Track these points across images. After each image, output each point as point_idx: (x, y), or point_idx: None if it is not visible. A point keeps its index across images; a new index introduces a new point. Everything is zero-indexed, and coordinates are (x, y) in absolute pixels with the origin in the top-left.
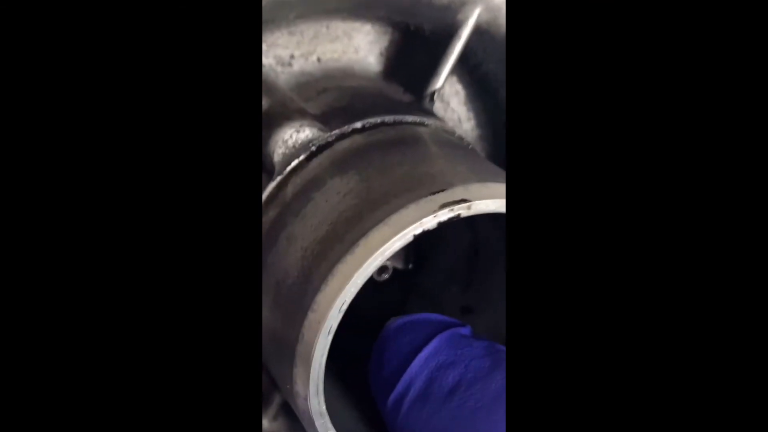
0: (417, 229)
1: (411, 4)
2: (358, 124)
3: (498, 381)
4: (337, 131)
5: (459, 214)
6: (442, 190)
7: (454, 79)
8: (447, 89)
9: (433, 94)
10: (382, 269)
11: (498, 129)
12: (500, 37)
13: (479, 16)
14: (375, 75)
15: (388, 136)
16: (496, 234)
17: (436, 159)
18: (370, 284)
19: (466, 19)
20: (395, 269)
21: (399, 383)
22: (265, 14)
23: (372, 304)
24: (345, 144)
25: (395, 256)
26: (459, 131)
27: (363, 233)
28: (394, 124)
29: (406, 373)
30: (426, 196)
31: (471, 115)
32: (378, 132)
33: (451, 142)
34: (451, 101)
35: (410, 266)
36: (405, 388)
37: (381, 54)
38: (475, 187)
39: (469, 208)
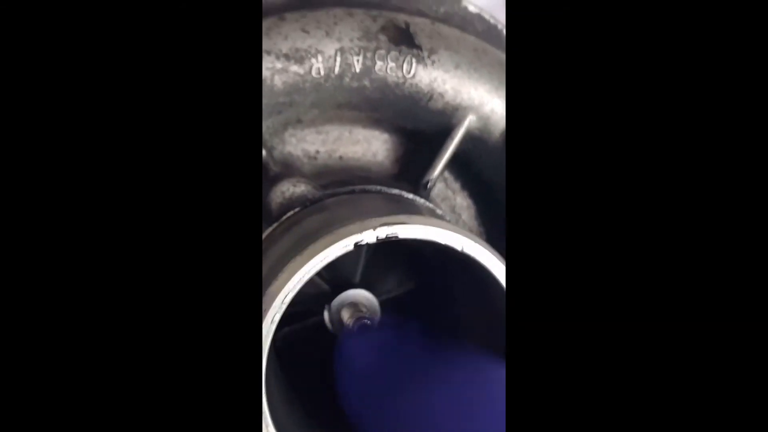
0: (357, 239)
1: (411, 106)
2: (349, 188)
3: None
4: (329, 191)
5: (396, 233)
6: (389, 216)
7: (466, 193)
8: (459, 202)
9: (426, 183)
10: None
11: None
12: (492, 142)
13: (471, 122)
14: (389, 176)
15: (370, 195)
16: (475, 309)
17: (402, 206)
18: None
19: (459, 123)
20: None
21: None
22: (299, 115)
23: None
24: (332, 199)
25: None
26: None
27: (313, 241)
28: (380, 192)
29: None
30: (373, 218)
31: (482, 230)
32: (363, 194)
33: (429, 209)
34: (462, 214)
35: None
36: (360, 379)
37: (396, 160)
38: (418, 218)
39: (407, 231)
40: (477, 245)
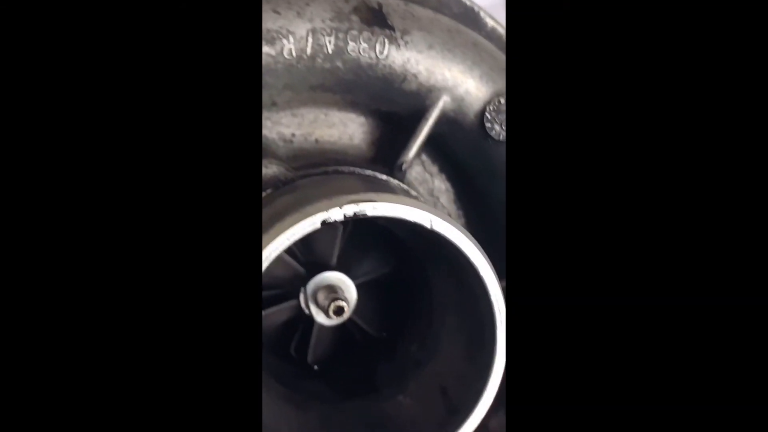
0: (324, 216)
1: (385, 88)
2: (322, 169)
3: None
4: (302, 172)
5: (364, 211)
6: (356, 194)
7: (444, 176)
8: (437, 185)
9: (401, 164)
10: (338, 311)
11: (485, 225)
12: (467, 124)
13: (445, 103)
14: (366, 159)
15: (343, 176)
16: (449, 288)
17: (374, 186)
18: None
19: (433, 104)
20: (369, 335)
21: None
22: (273, 97)
23: (345, 367)
24: (304, 180)
25: (375, 324)
26: None
27: (280, 220)
28: (353, 173)
29: None
30: (340, 196)
31: (461, 213)
32: (336, 174)
33: (403, 190)
34: (441, 198)
35: (384, 334)
36: None
37: (373, 143)
38: (387, 196)
39: (374, 208)
40: (445, 222)
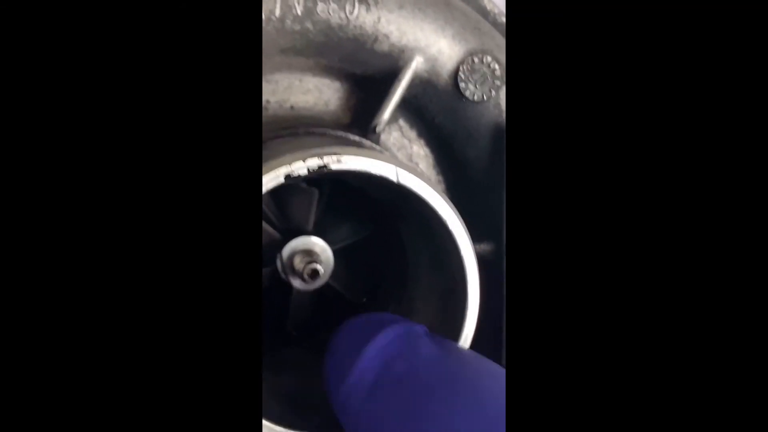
0: (287, 170)
1: (356, 49)
2: (291, 131)
3: (446, 366)
4: (273, 134)
5: (328, 165)
6: (321, 148)
7: (422, 142)
8: (415, 150)
9: (374, 127)
10: (313, 275)
11: (464, 188)
12: (441, 85)
13: (418, 63)
14: (342, 125)
15: (313, 137)
16: (421, 246)
17: (345, 144)
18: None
19: (406, 65)
20: (347, 300)
21: (350, 373)
22: None
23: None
24: (275, 141)
25: (352, 289)
26: None
27: None
28: (324, 134)
29: (358, 363)
30: (305, 150)
31: (440, 178)
32: (306, 135)
33: (374, 149)
34: (420, 163)
35: (364, 300)
36: (356, 378)
37: (349, 109)
38: (352, 149)
39: (339, 161)
40: (412, 175)
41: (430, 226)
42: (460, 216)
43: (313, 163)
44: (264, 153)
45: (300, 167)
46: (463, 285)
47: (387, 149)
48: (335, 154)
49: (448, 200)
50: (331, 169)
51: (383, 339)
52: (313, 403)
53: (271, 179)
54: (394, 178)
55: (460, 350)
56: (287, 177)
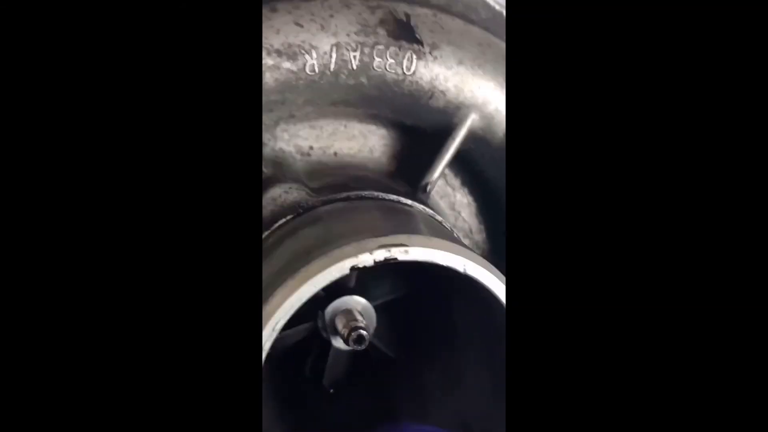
0: (353, 262)
1: (410, 104)
2: (344, 194)
3: None
4: (323, 198)
5: (396, 257)
6: (385, 235)
7: (466, 190)
8: (459, 199)
9: (426, 185)
10: (358, 340)
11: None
12: (496, 143)
13: (473, 121)
14: (386, 173)
15: (367, 204)
16: (474, 322)
17: (401, 219)
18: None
19: (461, 122)
20: (387, 357)
21: None
22: (293, 111)
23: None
24: (327, 207)
25: (388, 345)
26: (469, 242)
27: (306, 263)
28: (378, 199)
29: None
30: (370, 238)
31: (482, 227)
32: (360, 201)
33: (429, 220)
34: (462, 212)
35: (403, 357)
36: None
37: (394, 157)
38: (418, 239)
39: (406, 252)
40: (479, 267)
41: (488, 307)
42: None
43: (380, 255)
44: (319, 228)
45: (366, 259)
46: None
47: (430, 198)
48: (402, 245)
49: None
50: (398, 260)
51: None
52: None
53: (337, 270)
54: (461, 269)
55: None
56: (353, 269)
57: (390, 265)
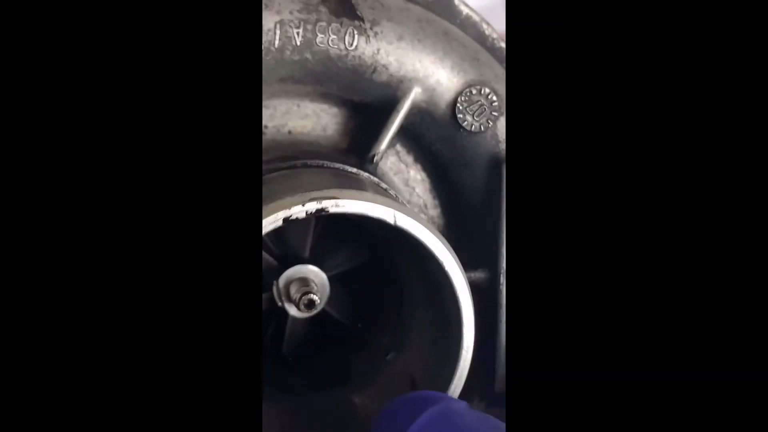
0: (286, 214)
1: (355, 79)
2: (290, 162)
3: None
4: (271, 166)
5: (326, 208)
6: (319, 191)
7: (419, 166)
8: (412, 175)
9: (373, 156)
10: (309, 305)
11: (460, 215)
12: (439, 115)
13: (416, 94)
14: (339, 150)
15: (311, 170)
16: (417, 281)
17: (341, 182)
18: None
19: (404, 95)
20: (342, 325)
21: None
22: None
23: (319, 358)
24: (273, 174)
25: (348, 315)
26: (424, 217)
27: None
28: (322, 167)
29: None
30: (303, 192)
31: (436, 202)
32: (304, 168)
33: (373, 186)
34: (416, 188)
35: (359, 325)
36: None
37: (346, 134)
38: (350, 192)
39: (337, 205)
40: (409, 218)
41: (425, 263)
42: (456, 257)
43: (312, 206)
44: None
45: (299, 211)
46: (457, 323)
47: (384, 174)
48: (333, 198)
49: (445, 241)
50: (329, 212)
51: (425, 418)
52: (306, 429)
53: (270, 222)
54: (391, 221)
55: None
56: (285, 220)
57: (343, 233)
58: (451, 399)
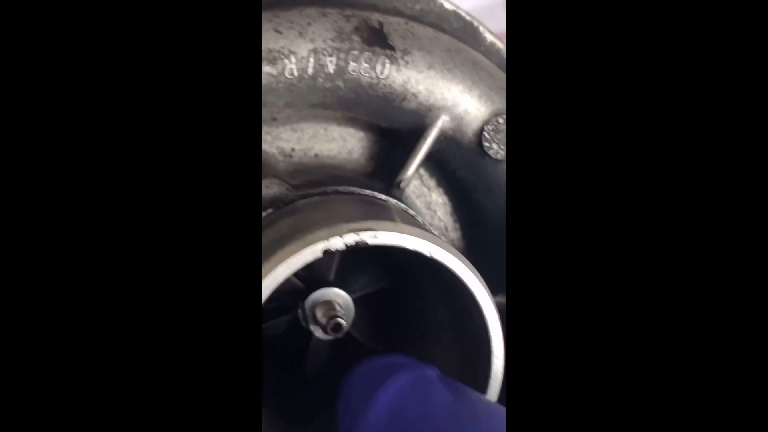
0: (324, 246)
1: (385, 106)
2: (321, 189)
3: (457, 414)
4: (301, 192)
5: (365, 240)
6: (356, 222)
7: (441, 190)
8: (434, 198)
9: (399, 182)
10: (336, 328)
11: (481, 239)
12: (465, 143)
13: (444, 122)
14: (364, 174)
15: (342, 197)
16: (444, 308)
17: (373, 210)
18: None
19: (432, 123)
20: (366, 347)
21: (362, 421)
22: (274, 113)
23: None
24: (304, 201)
25: (371, 337)
26: (445, 240)
27: (281, 247)
28: (352, 194)
29: (369, 411)
30: (341, 224)
31: (457, 225)
32: (336, 195)
33: (401, 213)
34: (438, 211)
35: (381, 347)
36: (367, 427)
37: (371, 158)
38: (386, 224)
39: (375, 236)
40: (444, 251)
41: (455, 292)
42: (486, 287)
43: (350, 239)
44: (296, 218)
45: (338, 242)
46: (486, 351)
47: (407, 197)
48: (371, 230)
49: (475, 270)
50: (367, 244)
51: (395, 386)
52: None
53: (310, 253)
54: (427, 254)
55: (473, 396)
56: (325, 252)
57: (367, 256)
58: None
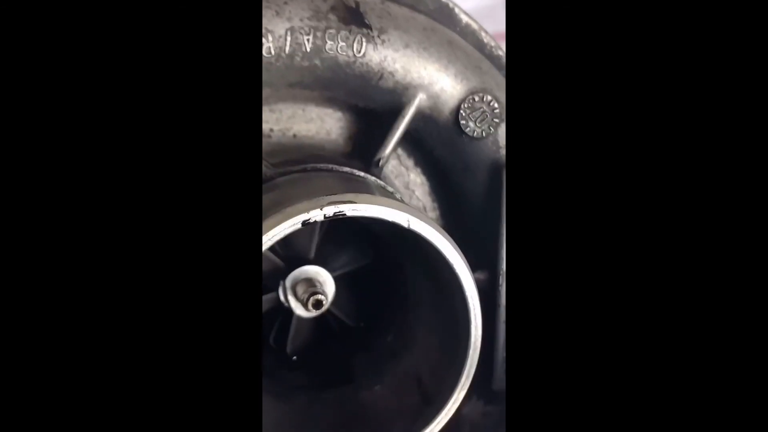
0: (304, 217)
1: (362, 85)
2: (301, 167)
3: None
4: (281, 170)
5: (343, 212)
6: (336, 194)
7: (419, 170)
8: (412, 178)
9: (378, 161)
10: (317, 305)
11: (459, 218)
12: (442, 121)
13: (421, 100)
14: (343, 154)
15: (321, 174)
16: (424, 282)
17: (352, 185)
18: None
19: (409, 101)
20: (346, 325)
21: None
22: None
23: (323, 357)
24: (284, 177)
25: (352, 315)
26: None
27: (264, 220)
28: (331, 170)
29: None
30: (321, 196)
31: (435, 205)
32: (315, 172)
33: (380, 188)
34: (416, 191)
35: (361, 324)
36: None
37: (350, 138)
38: (366, 197)
39: (354, 209)
40: (422, 222)
41: (434, 265)
42: (465, 260)
43: (330, 210)
44: (276, 193)
45: (317, 214)
46: (465, 323)
47: (385, 176)
48: (350, 202)
49: (454, 243)
50: (346, 215)
51: None
52: (313, 427)
53: (289, 225)
54: (405, 224)
55: None
56: (304, 223)
57: (347, 235)
58: None
